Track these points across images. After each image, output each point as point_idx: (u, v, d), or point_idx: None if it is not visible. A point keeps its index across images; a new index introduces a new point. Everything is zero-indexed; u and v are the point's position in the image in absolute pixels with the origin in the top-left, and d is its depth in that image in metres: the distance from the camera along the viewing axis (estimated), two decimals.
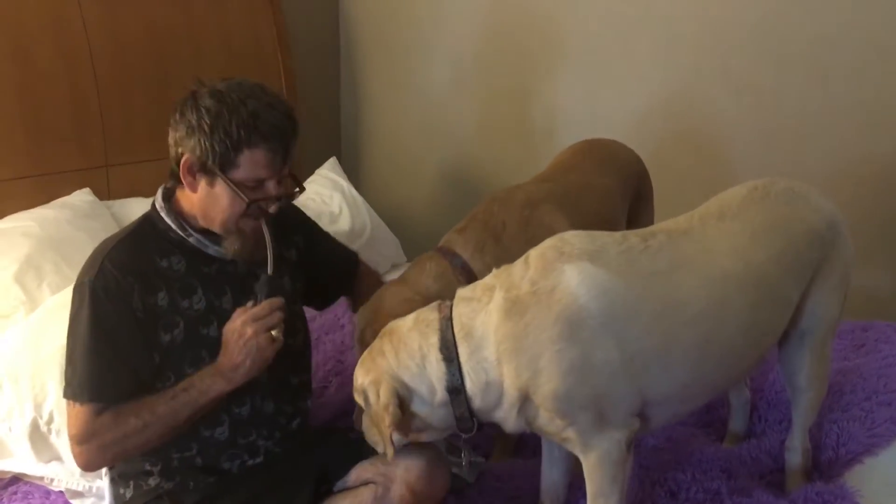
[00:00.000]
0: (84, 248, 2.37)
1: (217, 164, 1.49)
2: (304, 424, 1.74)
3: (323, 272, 1.84)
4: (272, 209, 1.54)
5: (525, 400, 1.40)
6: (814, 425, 1.78)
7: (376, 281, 1.97)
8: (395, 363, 1.42)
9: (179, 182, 1.56)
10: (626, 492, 1.47)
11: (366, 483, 1.56)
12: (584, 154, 2.19)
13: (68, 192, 2.60)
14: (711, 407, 1.98)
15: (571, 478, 1.62)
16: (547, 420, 1.40)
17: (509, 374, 1.38)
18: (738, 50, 2.76)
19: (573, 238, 1.45)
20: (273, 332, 1.48)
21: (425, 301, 1.57)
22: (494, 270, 1.49)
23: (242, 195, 1.50)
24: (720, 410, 1.97)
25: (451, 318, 1.42)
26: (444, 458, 1.62)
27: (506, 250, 1.66)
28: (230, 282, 1.61)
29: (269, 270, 1.53)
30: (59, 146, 2.61)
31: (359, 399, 1.47)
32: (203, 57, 2.96)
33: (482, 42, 3.32)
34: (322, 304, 1.95)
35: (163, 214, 1.59)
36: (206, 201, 1.55)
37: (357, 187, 3.23)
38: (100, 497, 1.84)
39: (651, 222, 2.22)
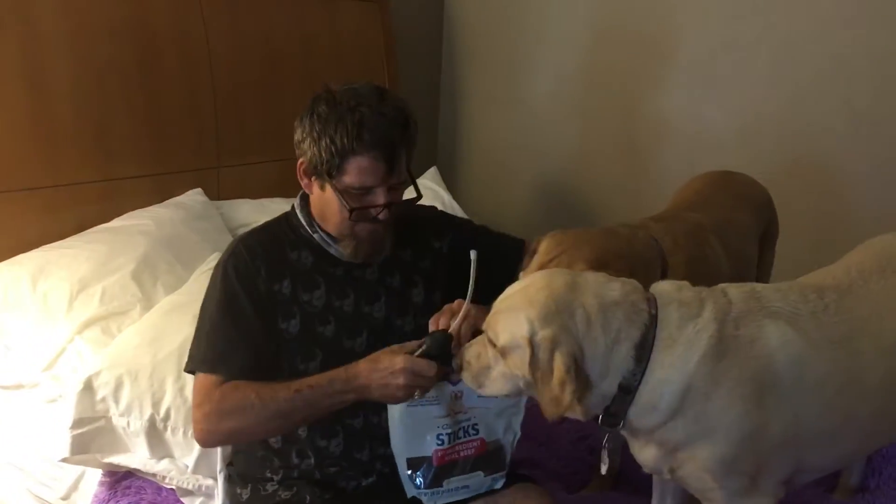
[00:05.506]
0: (195, 249, 2.48)
1: (325, 170, 1.53)
2: None
3: (492, 268, 1.68)
4: (381, 215, 1.54)
5: (675, 451, 1.34)
6: None
7: None
8: (584, 330, 1.26)
9: None
10: None
11: None
12: (720, 187, 2.11)
13: (181, 192, 2.70)
14: None
15: None
16: (695, 476, 1.34)
17: (683, 419, 1.29)
18: (859, 78, 2.65)
19: (764, 291, 1.38)
20: (417, 394, 1.44)
21: (630, 261, 1.49)
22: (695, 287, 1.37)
23: (345, 202, 1.52)
24: None
25: (656, 318, 1.29)
26: None
27: (679, 265, 1.60)
28: (356, 286, 1.59)
29: (468, 297, 1.43)
30: (176, 147, 2.71)
31: (505, 338, 1.29)
32: (313, 64, 3.03)
33: (585, 56, 3.29)
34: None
35: (297, 211, 1.65)
36: (320, 204, 1.60)
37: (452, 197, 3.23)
38: (209, 496, 1.88)
39: (772, 263, 2.16)
